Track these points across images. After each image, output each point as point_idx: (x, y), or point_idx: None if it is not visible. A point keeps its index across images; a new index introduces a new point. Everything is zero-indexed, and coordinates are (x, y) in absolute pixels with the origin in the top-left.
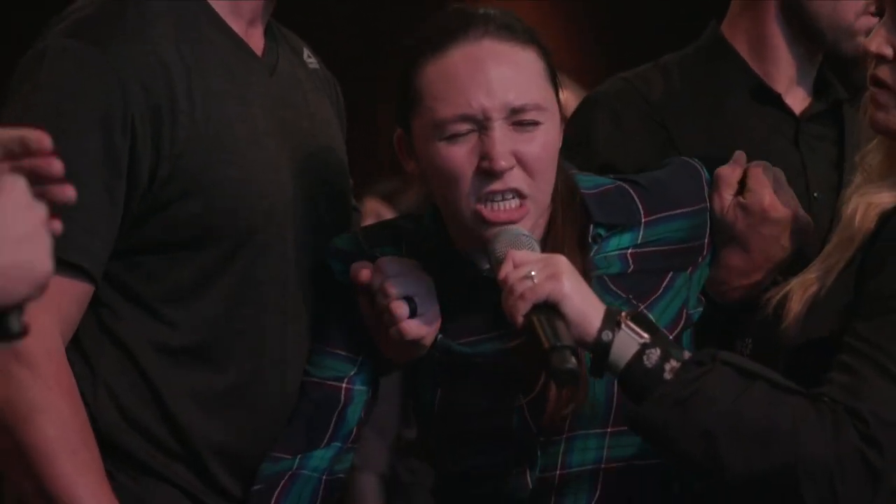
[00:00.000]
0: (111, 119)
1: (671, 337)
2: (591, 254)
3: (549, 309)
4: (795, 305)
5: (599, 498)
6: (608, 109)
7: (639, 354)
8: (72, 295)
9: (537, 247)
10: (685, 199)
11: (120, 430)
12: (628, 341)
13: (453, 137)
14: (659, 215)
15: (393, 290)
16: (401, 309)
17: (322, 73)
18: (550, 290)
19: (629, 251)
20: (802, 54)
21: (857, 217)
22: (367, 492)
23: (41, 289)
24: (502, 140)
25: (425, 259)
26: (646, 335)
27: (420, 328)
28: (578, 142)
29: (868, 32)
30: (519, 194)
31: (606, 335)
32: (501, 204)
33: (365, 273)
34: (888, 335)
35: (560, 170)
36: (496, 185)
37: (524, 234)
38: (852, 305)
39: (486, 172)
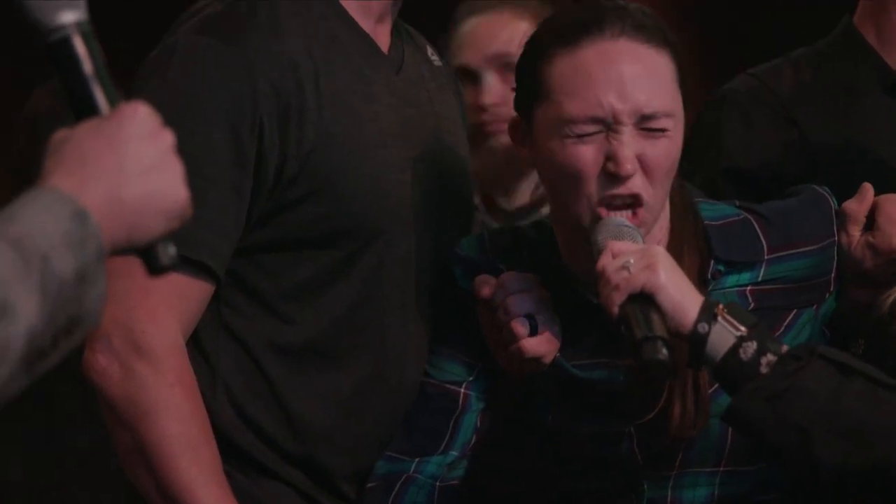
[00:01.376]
0: (240, 117)
1: None
2: (709, 288)
3: (646, 300)
4: None
5: None
6: (737, 109)
7: (735, 347)
8: (195, 293)
9: (640, 238)
10: (811, 236)
11: (237, 428)
12: (725, 334)
13: (581, 137)
14: (782, 253)
15: (514, 307)
16: (521, 327)
17: (445, 70)
18: (646, 281)
19: (748, 288)
20: None
21: None
22: None
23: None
24: (630, 144)
25: (542, 273)
26: (743, 328)
27: (539, 347)
28: (706, 143)
29: None
30: (638, 201)
31: (703, 327)
32: (620, 212)
33: (487, 289)
34: None
35: (684, 198)
36: (619, 189)
37: (626, 225)
38: None
39: (611, 175)
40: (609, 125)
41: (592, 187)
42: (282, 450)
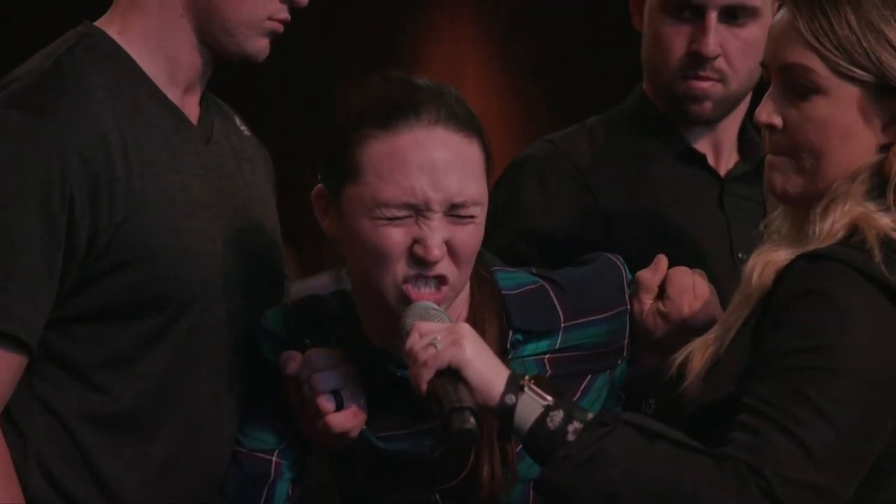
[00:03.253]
0: (49, 190)
1: None
2: (509, 357)
3: (453, 375)
4: (696, 365)
5: None
6: (535, 172)
7: (542, 417)
8: (7, 366)
9: (447, 319)
10: (605, 304)
11: (49, 500)
12: (532, 404)
13: (391, 220)
14: (578, 321)
15: (319, 384)
16: (327, 404)
17: (254, 140)
18: (452, 356)
19: (546, 356)
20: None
21: (755, 275)
22: None
23: None
24: (439, 230)
25: (346, 345)
26: (549, 398)
27: (345, 422)
28: (505, 204)
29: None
30: (443, 280)
31: (510, 398)
32: (431, 289)
33: (292, 366)
34: (787, 395)
35: (482, 268)
36: (426, 271)
37: (433, 308)
38: (749, 366)
39: (418, 258)
40: (420, 211)
41: (399, 267)
42: None
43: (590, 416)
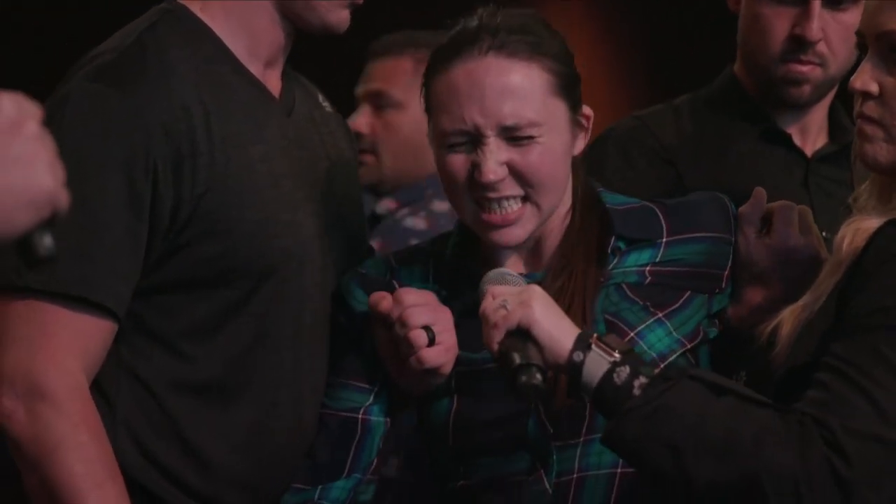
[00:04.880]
0: (134, 163)
1: (690, 347)
2: (610, 266)
3: (523, 335)
4: (786, 332)
5: (616, 501)
6: (619, 147)
7: (609, 373)
8: (97, 335)
9: (523, 283)
10: (709, 225)
11: (141, 467)
12: (599, 361)
13: (452, 147)
14: (681, 236)
15: (411, 319)
16: (420, 338)
17: (336, 117)
18: (522, 316)
19: (647, 268)
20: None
21: (846, 243)
22: None
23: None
24: (493, 153)
25: (450, 275)
26: (616, 354)
27: (438, 356)
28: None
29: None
30: (514, 199)
31: (578, 356)
32: (499, 210)
33: (384, 303)
34: (864, 352)
35: (580, 180)
36: (490, 194)
37: (509, 273)
38: (833, 328)
39: (479, 183)
40: (475, 137)
41: (468, 192)
42: (186, 487)
43: (656, 371)
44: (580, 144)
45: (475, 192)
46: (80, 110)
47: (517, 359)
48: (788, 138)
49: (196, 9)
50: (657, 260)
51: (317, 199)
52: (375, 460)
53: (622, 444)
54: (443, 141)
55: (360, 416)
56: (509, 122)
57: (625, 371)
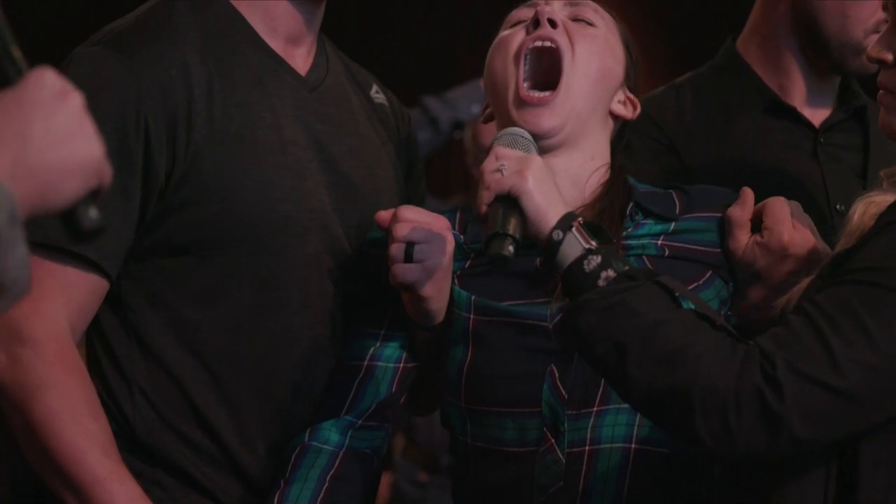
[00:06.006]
0: (125, 120)
1: None
2: (628, 229)
3: (512, 203)
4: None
5: (630, 478)
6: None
7: (581, 258)
8: (83, 286)
9: (534, 149)
10: (715, 206)
11: (159, 432)
12: (575, 244)
13: (515, 24)
14: (691, 214)
15: (398, 232)
16: (396, 252)
17: (392, 108)
18: (513, 184)
19: (661, 239)
20: (818, 67)
21: (857, 216)
22: None
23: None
24: (558, 8)
25: (477, 231)
26: (593, 242)
27: (409, 272)
28: None
29: None
30: (557, 53)
31: (557, 234)
32: (537, 94)
33: (384, 215)
34: (837, 302)
35: (616, 161)
36: (539, 31)
37: (523, 136)
38: (822, 282)
39: (533, 24)
40: (539, 7)
41: (516, 57)
42: (202, 453)
43: (627, 268)
44: (621, 109)
45: (523, 46)
46: (78, 70)
47: (496, 225)
48: (793, 111)
49: None
50: (669, 231)
51: (337, 172)
52: (377, 406)
53: (573, 330)
54: (505, 26)
55: (365, 362)
56: None
57: (595, 260)
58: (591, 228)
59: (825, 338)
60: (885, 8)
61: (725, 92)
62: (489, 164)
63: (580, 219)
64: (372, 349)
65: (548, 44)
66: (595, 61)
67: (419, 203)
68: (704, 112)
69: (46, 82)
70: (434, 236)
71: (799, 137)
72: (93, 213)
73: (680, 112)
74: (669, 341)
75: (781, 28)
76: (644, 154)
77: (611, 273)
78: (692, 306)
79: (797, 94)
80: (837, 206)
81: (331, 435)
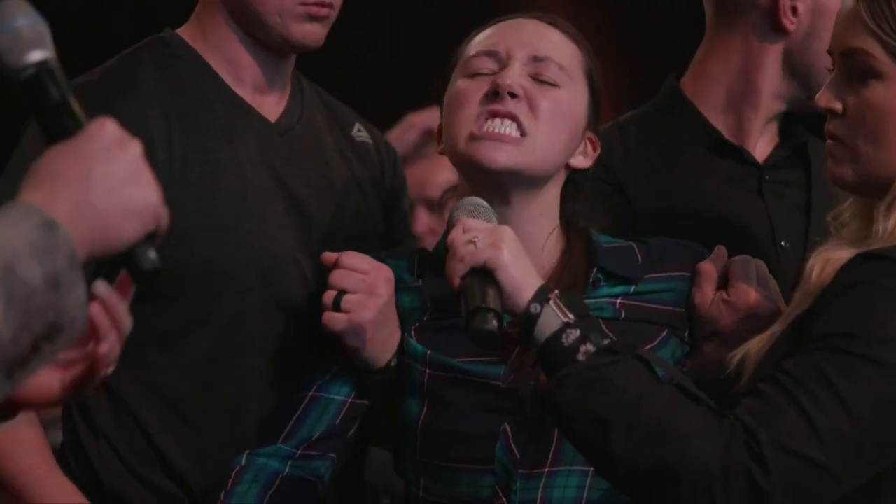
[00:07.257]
0: None
1: None
2: (587, 294)
3: (487, 276)
4: (752, 364)
5: None
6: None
7: (559, 332)
8: None
9: (495, 219)
10: (681, 263)
11: (122, 481)
12: (553, 318)
13: (475, 75)
14: (654, 274)
15: (332, 279)
16: (326, 298)
17: (375, 146)
18: (489, 257)
19: (619, 300)
20: (771, 107)
21: (815, 273)
22: None
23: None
24: (518, 73)
25: (434, 273)
26: (571, 315)
27: (331, 322)
28: None
29: None
30: (518, 124)
31: (535, 308)
32: (500, 128)
33: (329, 258)
34: (810, 371)
35: (575, 220)
36: (496, 105)
37: (483, 206)
38: (790, 349)
39: (492, 94)
40: (502, 62)
41: (472, 109)
42: (166, 498)
43: (606, 342)
44: (580, 161)
45: (481, 107)
46: (34, 127)
47: (476, 300)
48: (738, 150)
49: (187, 37)
50: (629, 293)
51: (300, 213)
52: (316, 436)
53: (554, 406)
54: (464, 70)
55: (311, 392)
56: (541, 52)
57: (574, 334)
58: (568, 300)
59: (804, 410)
60: (830, 54)
61: (671, 131)
62: (459, 236)
63: (556, 291)
64: (320, 381)
65: (507, 121)
66: (557, 128)
67: (403, 237)
68: (650, 152)
69: (107, 131)
70: (371, 286)
71: (744, 175)
72: (151, 254)
73: (625, 152)
74: (654, 419)
75: (731, 73)
76: (594, 195)
77: (590, 347)
78: (675, 378)
79: (745, 130)
80: (783, 244)
81: (268, 461)
